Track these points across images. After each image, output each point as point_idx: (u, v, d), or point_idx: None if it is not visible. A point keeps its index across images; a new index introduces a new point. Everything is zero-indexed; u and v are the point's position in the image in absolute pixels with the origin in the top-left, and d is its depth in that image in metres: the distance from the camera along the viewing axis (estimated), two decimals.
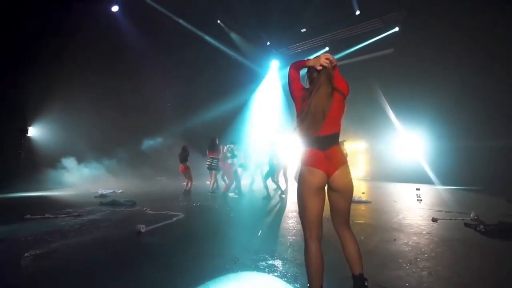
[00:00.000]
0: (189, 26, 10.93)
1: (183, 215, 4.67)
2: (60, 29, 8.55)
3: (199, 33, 11.31)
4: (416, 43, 10.62)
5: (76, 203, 5.93)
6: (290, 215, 4.84)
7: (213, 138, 7.72)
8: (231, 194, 7.21)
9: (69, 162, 9.45)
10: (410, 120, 11.12)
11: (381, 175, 12.36)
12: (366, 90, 11.65)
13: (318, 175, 1.66)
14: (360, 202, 6.27)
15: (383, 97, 11.80)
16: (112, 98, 10.17)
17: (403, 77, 11.02)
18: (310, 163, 1.69)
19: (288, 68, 1.84)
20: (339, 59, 12.73)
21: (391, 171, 11.89)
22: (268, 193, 6.66)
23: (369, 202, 6.27)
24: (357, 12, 10.10)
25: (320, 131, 1.68)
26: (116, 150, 10.61)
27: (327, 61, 1.72)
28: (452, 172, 9.62)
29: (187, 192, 7.26)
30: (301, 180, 1.72)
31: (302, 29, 11.58)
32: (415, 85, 10.68)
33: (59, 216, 4.53)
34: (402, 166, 11.59)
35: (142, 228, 3.58)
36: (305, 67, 1.82)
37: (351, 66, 12.28)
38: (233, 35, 11.84)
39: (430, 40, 10.25)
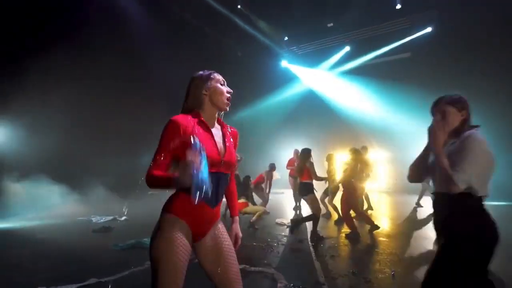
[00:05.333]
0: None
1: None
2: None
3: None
4: (449, 43, 9.80)
5: (80, 251, 3.85)
6: None
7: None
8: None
9: (39, 178, 7.01)
10: None
11: (404, 187, 11.37)
12: (387, 95, 10.81)
13: None
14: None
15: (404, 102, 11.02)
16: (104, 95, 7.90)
17: (431, 80, 10.15)
18: None
19: None
20: (361, 60, 11.99)
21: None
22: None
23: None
24: (398, 6, 8.99)
25: None
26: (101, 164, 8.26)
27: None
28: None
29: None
30: None
31: (328, 23, 10.25)
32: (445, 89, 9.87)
33: None
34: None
35: None
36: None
37: (370, 67, 11.36)
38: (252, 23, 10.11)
39: (466, 40, 9.46)
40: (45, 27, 6.92)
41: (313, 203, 4.49)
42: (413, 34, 10.34)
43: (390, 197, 10.25)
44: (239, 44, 11.37)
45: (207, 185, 1.12)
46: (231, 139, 1.54)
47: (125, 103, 8.48)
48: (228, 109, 1.47)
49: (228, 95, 1.47)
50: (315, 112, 12.71)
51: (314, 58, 11.95)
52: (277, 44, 11.38)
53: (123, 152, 8.68)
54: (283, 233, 4.90)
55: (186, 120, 1.36)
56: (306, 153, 4.80)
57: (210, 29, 10.03)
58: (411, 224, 5.66)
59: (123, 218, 6.29)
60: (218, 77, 1.48)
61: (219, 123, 1.54)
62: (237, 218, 1.68)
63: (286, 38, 11.26)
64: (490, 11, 8.31)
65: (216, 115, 1.50)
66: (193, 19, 9.48)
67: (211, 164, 1.32)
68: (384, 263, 3.32)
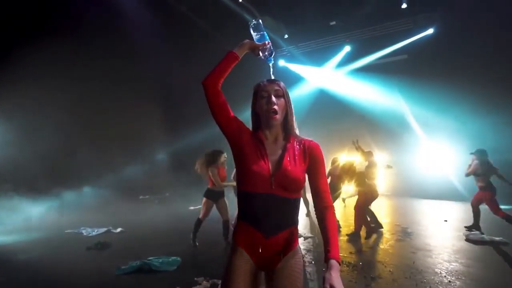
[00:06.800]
0: None
1: None
2: None
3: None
4: (450, 44, 9.72)
5: (75, 278, 3.28)
6: None
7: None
8: None
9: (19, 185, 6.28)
10: (440, 131, 10.25)
11: (404, 190, 11.26)
12: (387, 96, 10.67)
13: None
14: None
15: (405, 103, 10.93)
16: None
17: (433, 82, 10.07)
18: None
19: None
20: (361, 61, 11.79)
21: (415, 186, 10.85)
22: None
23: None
24: (404, 6, 8.78)
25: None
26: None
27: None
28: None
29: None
30: None
31: (331, 22, 9.93)
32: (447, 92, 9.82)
33: None
34: (425, 179, 10.65)
35: None
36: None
37: (369, 69, 11.16)
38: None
39: (467, 41, 9.39)
40: (36, 23, 6.20)
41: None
42: (414, 36, 10.20)
43: (390, 201, 10.07)
44: (237, 40, 10.84)
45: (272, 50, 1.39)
46: (301, 154, 1.29)
47: (119, 103, 7.76)
48: (277, 119, 1.27)
49: (268, 106, 1.26)
50: (312, 111, 12.35)
51: (314, 57, 11.60)
52: (277, 42, 10.92)
53: (116, 156, 7.96)
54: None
55: (246, 129, 1.34)
56: (209, 157, 4.42)
57: (205, 23, 9.44)
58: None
59: (119, 229, 5.63)
60: (260, 89, 1.31)
61: (287, 139, 1.32)
62: (334, 263, 1.22)
63: (286, 36, 10.83)
64: (495, 17, 8.25)
65: (279, 130, 1.32)
66: (188, 11, 8.85)
67: (256, 182, 1.21)
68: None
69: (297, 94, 12.07)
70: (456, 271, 3.36)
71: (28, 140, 6.39)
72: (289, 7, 9.26)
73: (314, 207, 1.26)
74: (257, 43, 1.38)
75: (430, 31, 9.98)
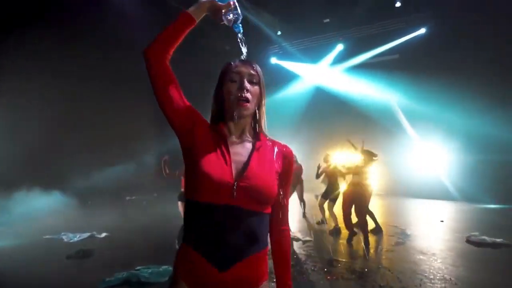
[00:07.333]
0: None
1: None
2: None
3: None
4: (443, 42, 9.75)
5: None
6: None
7: None
8: None
9: None
10: (432, 130, 10.31)
11: (396, 189, 11.28)
12: (379, 95, 10.69)
13: None
14: None
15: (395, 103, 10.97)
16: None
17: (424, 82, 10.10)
18: None
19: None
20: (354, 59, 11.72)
21: (404, 185, 10.89)
22: None
23: None
24: (398, 4, 8.73)
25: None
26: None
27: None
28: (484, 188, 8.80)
29: None
30: None
31: (325, 19, 9.79)
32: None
33: None
34: (417, 179, 10.70)
35: None
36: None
37: (362, 67, 11.12)
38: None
39: (459, 40, 9.43)
40: (26, 15, 5.73)
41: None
42: (406, 35, 10.18)
43: (383, 201, 10.04)
44: (228, 37, 10.52)
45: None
46: (273, 157, 1.00)
47: (108, 101, 7.34)
48: (248, 108, 0.96)
49: (238, 92, 0.95)
50: (305, 108, 12.19)
51: (307, 54, 11.42)
52: (269, 39, 10.67)
53: (102, 155, 7.52)
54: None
55: (203, 121, 1.02)
56: None
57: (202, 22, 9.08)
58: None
59: (103, 234, 5.22)
60: (230, 70, 0.98)
61: (256, 137, 1.01)
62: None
63: (279, 33, 10.60)
64: (485, 18, 8.30)
65: (247, 124, 1.01)
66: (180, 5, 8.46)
67: (212, 189, 0.88)
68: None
69: (290, 92, 11.91)
70: (467, 277, 3.22)
71: (8, 138, 5.90)
72: (284, 3, 9.05)
73: (270, 225, 1.00)
74: (219, 3, 1.01)
75: (422, 31, 9.99)
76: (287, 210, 1.05)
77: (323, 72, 11.87)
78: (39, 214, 6.33)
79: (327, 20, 9.84)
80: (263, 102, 1.01)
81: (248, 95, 0.94)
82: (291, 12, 9.54)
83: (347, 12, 9.17)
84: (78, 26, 6.72)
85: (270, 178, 0.94)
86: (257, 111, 1.00)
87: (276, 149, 1.02)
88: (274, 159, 0.99)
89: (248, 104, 0.94)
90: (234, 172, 0.91)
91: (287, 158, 1.02)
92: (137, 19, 7.24)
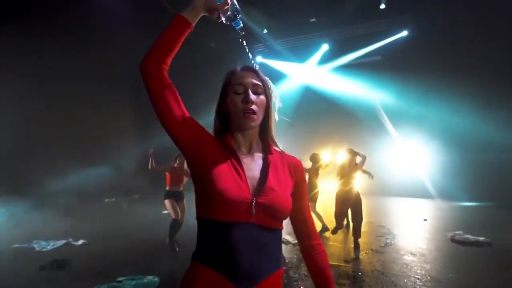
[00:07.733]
0: None
1: None
2: None
3: None
4: (424, 45, 10.01)
5: None
6: None
7: None
8: None
9: None
10: (413, 130, 10.61)
11: (377, 188, 11.51)
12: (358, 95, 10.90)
13: None
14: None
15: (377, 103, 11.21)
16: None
17: (408, 81, 10.35)
18: None
19: None
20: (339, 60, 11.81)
21: (386, 184, 11.14)
22: None
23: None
24: (382, 6, 8.85)
25: None
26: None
27: None
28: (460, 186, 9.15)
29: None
30: None
31: (311, 18, 9.78)
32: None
33: None
34: (398, 178, 10.99)
35: None
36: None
37: (347, 67, 11.25)
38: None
39: (441, 42, 9.71)
40: None
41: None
42: (389, 37, 10.37)
43: (367, 200, 10.18)
44: (213, 34, 10.25)
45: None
46: (286, 170, 0.97)
47: (84, 99, 6.88)
48: (254, 120, 0.92)
49: (244, 105, 0.90)
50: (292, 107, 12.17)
51: (292, 53, 11.38)
52: (255, 37, 10.51)
53: (78, 155, 7.05)
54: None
55: (207, 134, 0.96)
56: None
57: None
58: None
59: (80, 241, 4.85)
60: (234, 80, 0.94)
61: (266, 149, 0.97)
62: None
63: (265, 31, 10.46)
64: (468, 23, 8.57)
65: (254, 137, 0.96)
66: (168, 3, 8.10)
67: (230, 207, 0.83)
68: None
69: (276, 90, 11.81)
70: (458, 279, 3.24)
71: None
72: (270, 2, 8.91)
73: (300, 244, 1.00)
74: (217, 2, 0.90)
75: (404, 33, 10.21)
76: (313, 223, 1.02)
77: (309, 72, 11.90)
78: (7, 221, 5.83)
79: (314, 19, 9.79)
80: (270, 111, 0.96)
81: (254, 107, 0.90)
82: (278, 9, 9.41)
83: (334, 12, 9.16)
84: (54, 22, 6.23)
85: (286, 193, 0.92)
86: (265, 121, 0.96)
87: (287, 162, 0.98)
88: (288, 172, 0.96)
89: (255, 116, 0.91)
90: (250, 188, 0.86)
91: (298, 169, 1.00)
92: (119, 16, 6.84)
